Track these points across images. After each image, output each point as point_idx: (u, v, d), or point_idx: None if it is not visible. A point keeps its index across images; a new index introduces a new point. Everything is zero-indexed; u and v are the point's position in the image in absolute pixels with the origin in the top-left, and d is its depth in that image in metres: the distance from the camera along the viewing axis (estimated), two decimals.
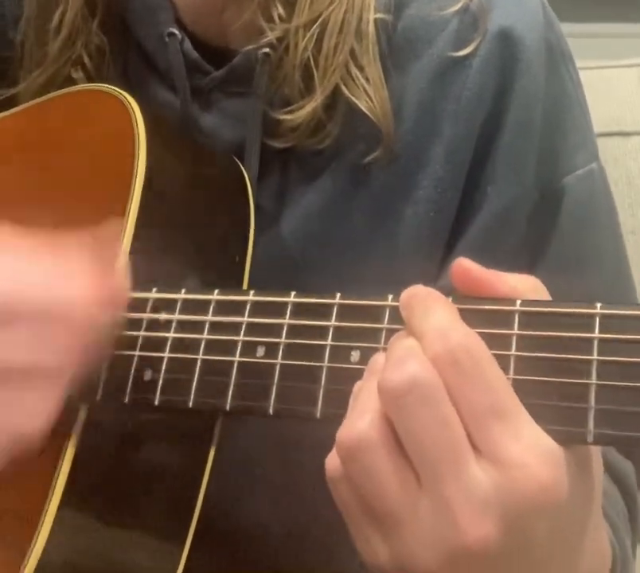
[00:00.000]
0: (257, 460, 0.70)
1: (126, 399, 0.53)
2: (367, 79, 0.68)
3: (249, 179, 0.69)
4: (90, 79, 0.73)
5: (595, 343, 0.40)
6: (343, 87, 0.68)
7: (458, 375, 0.41)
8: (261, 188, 0.70)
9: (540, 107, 0.70)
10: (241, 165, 0.70)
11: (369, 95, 0.68)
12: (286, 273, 0.70)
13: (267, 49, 0.68)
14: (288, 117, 0.68)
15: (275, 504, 0.71)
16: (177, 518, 0.58)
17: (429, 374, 0.41)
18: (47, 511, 0.54)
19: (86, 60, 0.73)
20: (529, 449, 0.40)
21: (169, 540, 0.58)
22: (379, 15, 0.68)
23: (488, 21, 0.69)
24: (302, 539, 0.71)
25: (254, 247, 0.66)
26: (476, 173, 0.70)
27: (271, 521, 0.71)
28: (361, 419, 0.43)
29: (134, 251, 0.59)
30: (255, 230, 0.67)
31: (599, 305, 0.40)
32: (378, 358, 0.44)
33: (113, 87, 0.67)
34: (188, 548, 0.58)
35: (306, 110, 0.68)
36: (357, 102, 0.68)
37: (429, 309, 0.43)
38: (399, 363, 0.42)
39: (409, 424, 0.41)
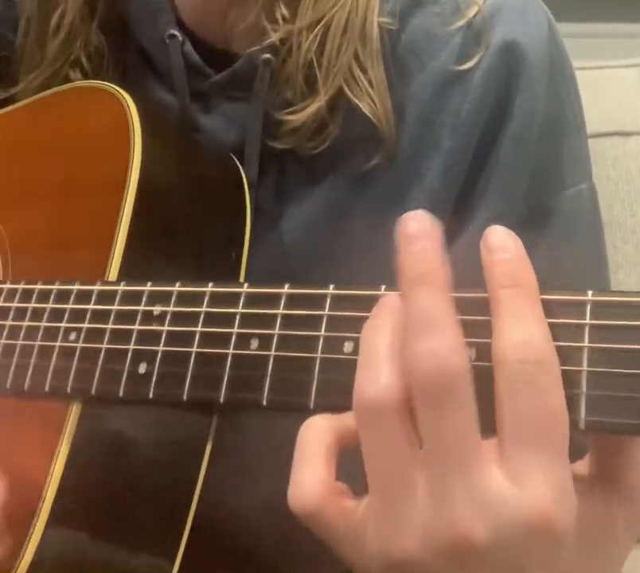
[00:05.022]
0: (249, 468, 0.70)
1: (121, 393, 0.53)
2: (370, 83, 0.68)
3: (248, 180, 0.69)
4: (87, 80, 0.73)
5: (587, 330, 0.40)
6: (346, 89, 0.68)
7: (527, 382, 0.39)
8: (260, 190, 0.70)
9: (537, 123, 0.70)
10: (237, 161, 0.70)
11: (372, 98, 0.68)
12: (281, 277, 0.70)
13: (268, 55, 0.68)
14: (291, 117, 0.68)
15: (266, 513, 0.71)
16: (173, 515, 0.58)
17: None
18: (41, 507, 0.54)
19: (84, 60, 0.73)
20: (552, 485, 0.39)
21: (164, 538, 0.58)
22: (383, 19, 0.68)
23: (492, 35, 0.68)
24: (291, 549, 0.71)
25: (252, 250, 0.66)
26: (468, 185, 0.70)
27: (261, 530, 0.71)
28: (383, 373, 0.41)
29: (129, 248, 0.59)
30: (253, 231, 0.67)
31: (590, 292, 0.40)
32: (393, 298, 0.42)
33: (108, 84, 0.67)
34: (183, 547, 0.58)
35: (309, 110, 0.68)
36: (359, 104, 0.67)
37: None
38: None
39: (432, 408, 0.39)
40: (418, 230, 0.42)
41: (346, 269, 0.70)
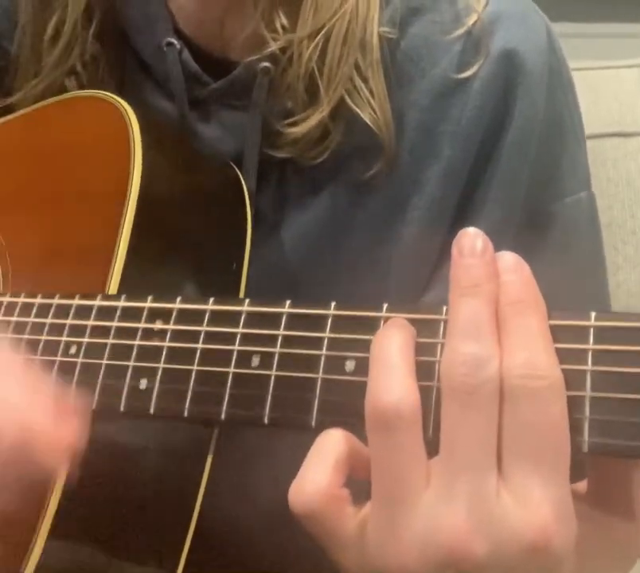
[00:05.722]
0: (250, 481, 0.70)
1: (122, 408, 0.53)
2: (371, 92, 0.68)
3: (247, 190, 0.69)
4: (82, 89, 0.72)
5: (590, 354, 0.40)
6: (347, 99, 0.67)
7: (530, 397, 0.40)
8: (259, 199, 0.70)
9: (537, 130, 0.70)
10: (237, 170, 0.69)
11: (373, 108, 0.68)
12: (282, 287, 0.70)
13: (267, 63, 0.68)
14: (292, 129, 0.68)
15: (268, 523, 0.71)
16: (175, 526, 0.58)
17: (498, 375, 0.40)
18: (44, 516, 0.54)
19: (79, 69, 0.72)
20: (553, 503, 0.39)
21: (166, 549, 0.58)
22: (383, 28, 0.68)
23: (491, 43, 0.68)
24: (293, 558, 0.71)
25: (252, 260, 0.66)
26: (469, 193, 0.70)
27: (263, 540, 0.71)
28: (397, 381, 0.42)
29: (129, 259, 0.59)
30: (254, 241, 0.67)
31: (593, 315, 0.40)
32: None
33: (108, 93, 0.66)
34: (185, 558, 0.58)
35: (311, 121, 0.67)
36: (360, 113, 0.67)
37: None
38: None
39: (459, 410, 0.40)
40: (473, 245, 0.43)
41: (347, 278, 0.70)
